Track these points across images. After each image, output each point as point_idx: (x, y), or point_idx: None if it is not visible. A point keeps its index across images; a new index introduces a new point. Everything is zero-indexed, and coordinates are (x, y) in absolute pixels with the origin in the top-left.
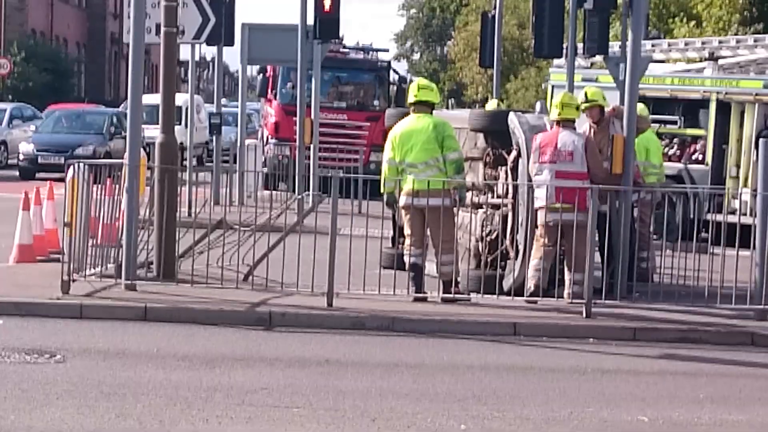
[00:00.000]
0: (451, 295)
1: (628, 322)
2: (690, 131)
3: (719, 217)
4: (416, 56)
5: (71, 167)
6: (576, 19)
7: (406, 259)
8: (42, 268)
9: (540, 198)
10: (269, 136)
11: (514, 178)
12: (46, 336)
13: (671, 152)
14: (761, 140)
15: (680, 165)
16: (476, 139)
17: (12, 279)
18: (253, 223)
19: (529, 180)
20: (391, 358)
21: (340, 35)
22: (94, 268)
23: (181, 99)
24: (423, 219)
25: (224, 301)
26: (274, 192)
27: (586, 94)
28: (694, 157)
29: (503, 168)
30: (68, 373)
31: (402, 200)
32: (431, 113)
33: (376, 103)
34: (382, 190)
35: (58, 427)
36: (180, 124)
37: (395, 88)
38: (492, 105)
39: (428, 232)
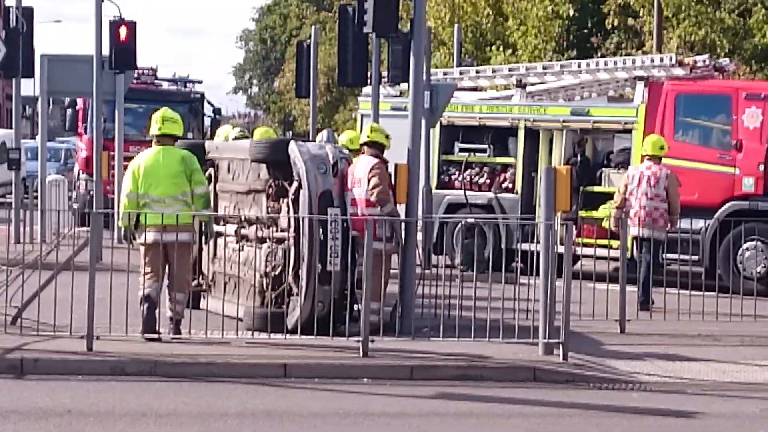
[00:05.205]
0: (179, 336)
1: (406, 359)
2: (499, 159)
3: (530, 246)
4: (255, 89)
5: None
6: (380, 47)
7: (140, 292)
8: None
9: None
10: (80, 171)
11: (296, 210)
12: None
13: (481, 181)
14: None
15: (490, 194)
16: (259, 171)
17: None
18: (21, 262)
19: (311, 212)
20: (142, 407)
21: (154, 66)
22: None
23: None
24: (164, 253)
25: None
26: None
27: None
28: (504, 186)
29: (285, 200)
30: None
31: (150, 236)
32: (174, 145)
33: (189, 135)
34: (119, 224)
35: None
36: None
37: (210, 120)
38: (258, 134)
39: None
